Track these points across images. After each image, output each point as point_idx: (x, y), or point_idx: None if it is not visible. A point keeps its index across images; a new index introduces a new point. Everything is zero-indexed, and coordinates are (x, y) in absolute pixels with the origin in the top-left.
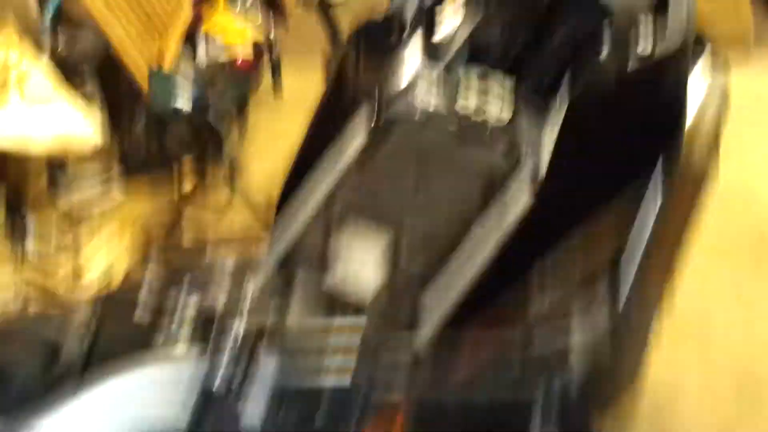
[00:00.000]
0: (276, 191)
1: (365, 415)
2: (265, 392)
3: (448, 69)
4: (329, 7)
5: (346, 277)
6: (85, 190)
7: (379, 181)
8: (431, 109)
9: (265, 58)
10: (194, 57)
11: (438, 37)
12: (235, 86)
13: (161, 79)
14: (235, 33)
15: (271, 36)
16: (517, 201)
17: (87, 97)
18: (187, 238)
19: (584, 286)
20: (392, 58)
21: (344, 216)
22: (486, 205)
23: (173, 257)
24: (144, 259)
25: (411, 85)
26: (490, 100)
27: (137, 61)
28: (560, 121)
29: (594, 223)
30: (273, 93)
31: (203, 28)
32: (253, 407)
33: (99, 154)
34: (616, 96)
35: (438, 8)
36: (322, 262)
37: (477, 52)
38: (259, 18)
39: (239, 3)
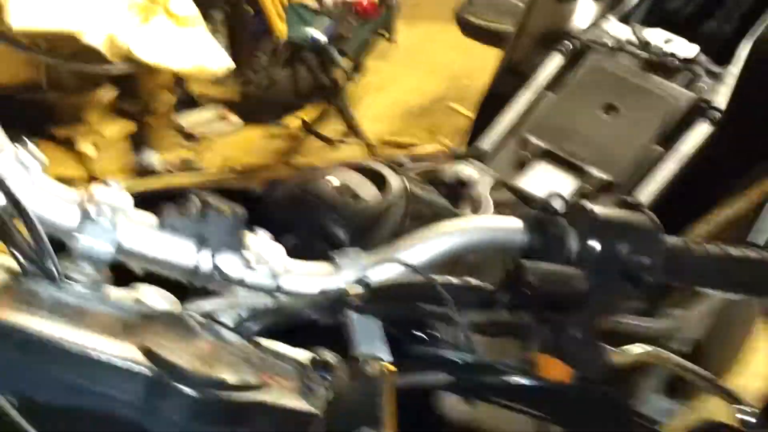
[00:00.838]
0: (384, 128)
1: None
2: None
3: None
4: None
5: (537, 186)
6: (205, 112)
7: (573, 102)
8: (623, 38)
9: (385, 4)
10: None
11: None
12: (360, 25)
13: (299, 11)
14: None
15: None
16: (698, 131)
17: (215, 27)
18: (300, 164)
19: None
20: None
21: (539, 132)
22: (669, 131)
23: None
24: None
25: (603, 20)
26: (675, 39)
27: None
28: (742, 66)
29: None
30: (388, 38)
31: None
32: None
33: (223, 80)
34: None
35: None
36: (516, 171)
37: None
38: None
39: None
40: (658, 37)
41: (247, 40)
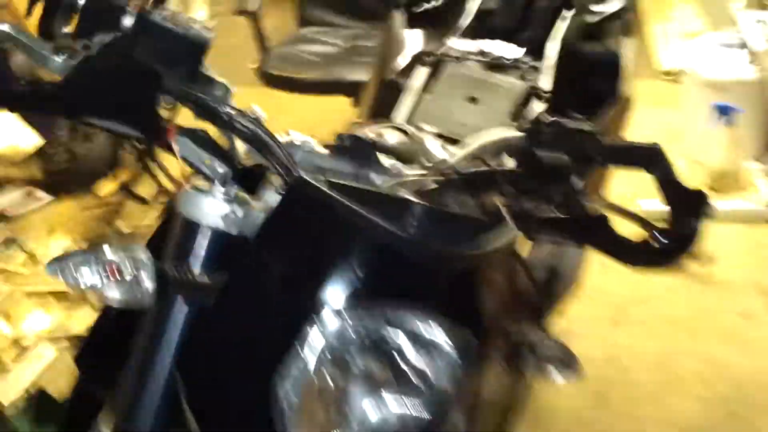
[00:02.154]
0: None
1: None
2: None
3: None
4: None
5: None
6: (10, 192)
7: (445, 98)
8: (465, 50)
9: None
10: None
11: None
12: None
13: None
14: None
15: None
16: (535, 107)
17: None
18: (123, 228)
19: None
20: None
21: (427, 121)
22: (516, 110)
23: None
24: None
25: (447, 40)
26: (503, 45)
27: None
28: (555, 53)
29: None
30: None
31: None
32: None
33: (25, 159)
34: (582, 40)
35: None
36: None
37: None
38: None
39: None
40: (490, 45)
41: (45, 119)
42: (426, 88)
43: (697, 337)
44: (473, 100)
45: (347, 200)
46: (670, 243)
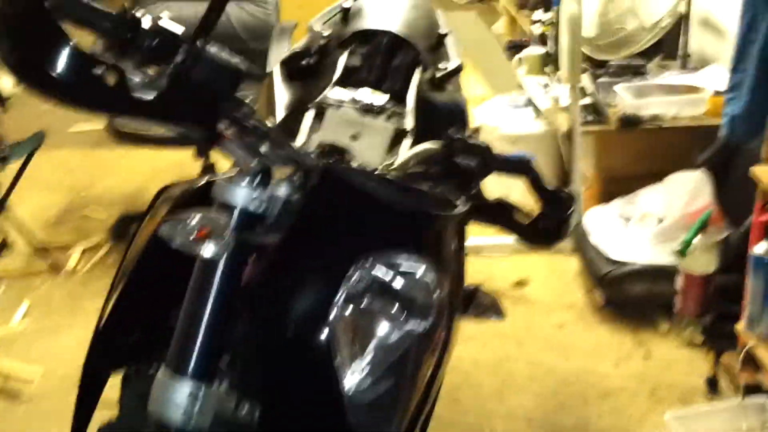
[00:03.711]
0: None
1: None
2: None
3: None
4: None
5: None
6: None
7: (329, 136)
8: (341, 98)
9: None
10: None
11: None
12: None
13: None
14: None
15: None
16: (404, 144)
17: None
18: None
19: None
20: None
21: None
22: (390, 147)
23: None
24: None
25: (328, 90)
26: (373, 94)
27: None
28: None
29: None
30: None
31: None
32: None
33: None
34: (431, 91)
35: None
36: None
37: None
38: None
39: None
40: (360, 94)
41: None
42: (312, 129)
43: (523, 346)
44: (354, 137)
45: (370, 178)
46: (550, 226)
